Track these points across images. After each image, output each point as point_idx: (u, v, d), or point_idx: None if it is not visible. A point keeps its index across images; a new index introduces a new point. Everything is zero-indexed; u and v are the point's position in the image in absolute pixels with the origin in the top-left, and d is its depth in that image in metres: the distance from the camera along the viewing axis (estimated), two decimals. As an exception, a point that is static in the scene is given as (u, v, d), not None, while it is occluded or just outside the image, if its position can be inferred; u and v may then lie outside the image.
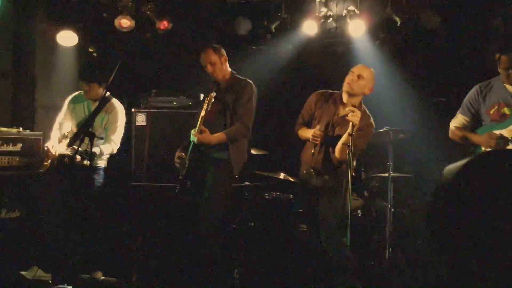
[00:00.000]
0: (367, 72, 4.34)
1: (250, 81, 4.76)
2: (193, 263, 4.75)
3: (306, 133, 4.47)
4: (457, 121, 4.32)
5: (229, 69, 4.81)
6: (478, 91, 4.19)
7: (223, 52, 4.75)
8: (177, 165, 4.66)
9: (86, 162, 4.51)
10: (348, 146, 4.05)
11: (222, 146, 4.59)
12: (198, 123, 4.49)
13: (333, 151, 4.33)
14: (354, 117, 4.10)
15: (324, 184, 4.40)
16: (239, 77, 4.81)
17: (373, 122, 4.42)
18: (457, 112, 4.33)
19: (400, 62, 6.11)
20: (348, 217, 3.97)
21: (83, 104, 5.11)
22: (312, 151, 4.40)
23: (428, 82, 6.11)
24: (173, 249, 5.31)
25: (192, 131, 4.52)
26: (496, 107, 4.09)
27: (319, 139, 4.32)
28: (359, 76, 4.31)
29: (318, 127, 4.37)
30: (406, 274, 5.19)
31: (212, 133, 4.50)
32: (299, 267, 5.14)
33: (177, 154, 4.71)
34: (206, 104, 4.50)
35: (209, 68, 4.71)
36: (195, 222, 4.64)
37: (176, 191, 4.55)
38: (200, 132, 4.46)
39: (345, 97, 4.41)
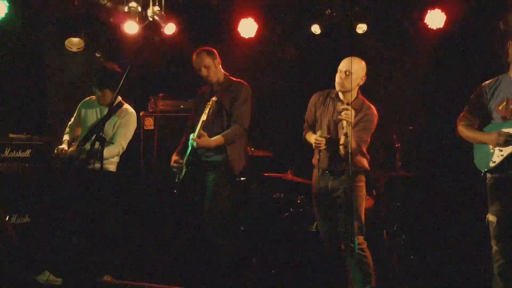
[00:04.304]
0: (354, 65, 4.27)
1: (245, 82, 4.76)
2: (202, 266, 4.80)
3: (311, 138, 4.42)
4: (464, 118, 4.25)
5: (223, 71, 4.81)
6: (486, 88, 4.12)
7: (217, 54, 4.74)
8: (174, 169, 4.76)
9: (95, 166, 4.48)
10: (345, 146, 4.01)
11: (219, 148, 4.59)
12: (198, 128, 4.49)
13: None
14: (347, 115, 4.06)
15: (339, 185, 4.30)
16: (233, 78, 4.80)
17: (374, 111, 4.37)
18: (464, 110, 4.27)
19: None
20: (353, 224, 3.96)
21: (95, 110, 5.09)
22: (318, 157, 4.34)
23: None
24: (181, 252, 5.35)
25: (191, 136, 4.52)
26: (504, 103, 4.01)
27: (321, 145, 4.25)
28: (346, 73, 4.28)
29: (319, 133, 4.30)
30: (414, 274, 5.19)
31: (209, 136, 4.50)
32: (306, 268, 5.16)
33: (174, 157, 4.79)
34: (208, 109, 4.48)
35: (204, 72, 4.70)
36: (201, 226, 4.64)
37: (174, 195, 4.66)
38: (199, 136, 4.45)
39: (341, 95, 4.40)
